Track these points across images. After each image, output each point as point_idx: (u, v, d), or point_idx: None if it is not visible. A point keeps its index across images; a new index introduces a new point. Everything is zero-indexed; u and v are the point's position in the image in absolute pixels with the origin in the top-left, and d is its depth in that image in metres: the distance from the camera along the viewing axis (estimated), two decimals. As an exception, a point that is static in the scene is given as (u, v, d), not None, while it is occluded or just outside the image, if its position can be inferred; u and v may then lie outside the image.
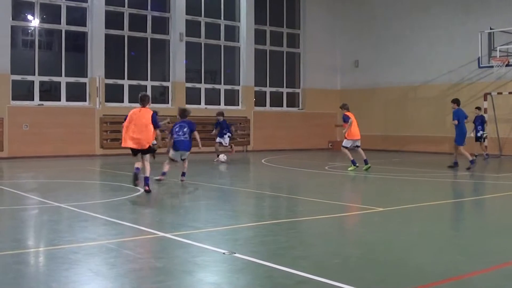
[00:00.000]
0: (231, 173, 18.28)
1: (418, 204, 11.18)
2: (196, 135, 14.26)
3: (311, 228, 8.97)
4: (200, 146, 14.41)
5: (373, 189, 14.17)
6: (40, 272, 6.24)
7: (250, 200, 12.20)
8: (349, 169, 17.83)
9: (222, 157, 20.66)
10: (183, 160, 14.13)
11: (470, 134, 21.42)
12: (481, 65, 24.67)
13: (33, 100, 23.46)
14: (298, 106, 31.11)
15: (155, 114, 12.35)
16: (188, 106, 26.54)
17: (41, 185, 14.34)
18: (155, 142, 14.91)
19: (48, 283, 5.59)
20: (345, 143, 18.26)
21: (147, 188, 11.88)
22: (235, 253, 6.67)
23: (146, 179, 11.93)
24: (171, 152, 14.07)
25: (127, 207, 10.70)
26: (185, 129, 13.98)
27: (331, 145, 30.93)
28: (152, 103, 25.51)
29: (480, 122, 22.96)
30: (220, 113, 22.11)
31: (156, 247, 7.18)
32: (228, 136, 21.60)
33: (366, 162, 17.85)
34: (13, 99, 22.88)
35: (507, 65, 23.91)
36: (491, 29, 24.43)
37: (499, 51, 24.06)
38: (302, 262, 6.49)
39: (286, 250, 7.16)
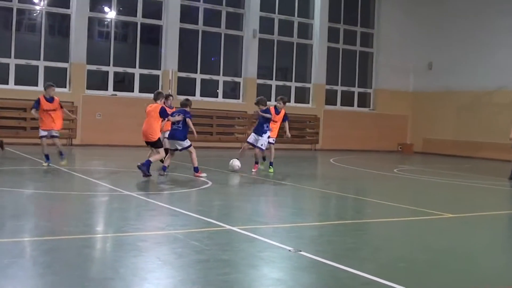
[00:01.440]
0: (298, 171, 18.23)
1: (489, 212, 10.93)
2: (190, 123, 13.67)
3: (378, 231, 8.86)
4: (195, 134, 13.81)
5: (442, 194, 13.89)
6: (108, 257, 6.37)
7: (317, 199, 12.15)
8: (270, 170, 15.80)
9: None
10: (180, 150, 13.84)
11: None
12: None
13: (107, 90, 23.98)
14: (369, 107, 30.79)
15: (163, 108, 13.29)
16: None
17: (111, 173, 14.64)
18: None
19: (116, 268, 5.70)
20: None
21: (140, 165, 12.61)
22: (300, 251, 6.64)
23: (146, 161, 12.66)
24: (166, 142, 14.10)
25: (195, 198, 10.82)
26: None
27: (400, 148, 30.51)
28: (223, 98, 26.05)
29: None
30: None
31: (223, 239, 7.22)
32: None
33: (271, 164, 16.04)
34: (88, 88, 23.43)
35: None
36: None
37: None
38: (368, 264, 6.43)
39: (352, 251, 7.10)
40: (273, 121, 15.75)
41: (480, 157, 26.61)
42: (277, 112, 16.00)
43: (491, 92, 27.46)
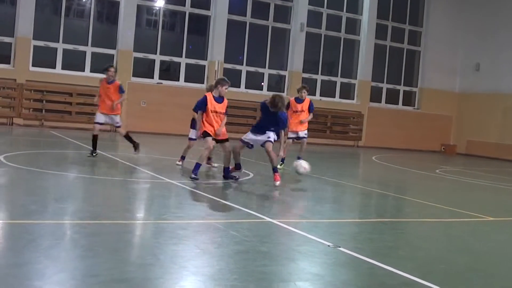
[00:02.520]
0: (340, 167, 18.18)
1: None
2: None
3: (418, 230, 8.79)
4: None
5: (485, 197, 13.70)
6: (149, 243, 6.45)
7: (358, 196, 12.09)
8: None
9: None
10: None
11: None
12: None
13: (152, 78, 24.20)
14: (414, 106, 30.50)
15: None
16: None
17: (154, 160, 14.79)
18: None
19: (157, 255, 5.77)
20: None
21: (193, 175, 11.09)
22: (340, 246, 6.63)
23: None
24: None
25: (236, 190, 10.86)
26: None
27: (443, 148, 30.16)
28: (268, 91, 26.06)
29: None
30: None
31: (263, 231, 7.25)
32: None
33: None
34: (134, 75, 23.68)
35: None
36: None
37: None
38: (407, 263, 6.39)
39: (391, 249, 7.06)
40: (296, 111, 14.89)
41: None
42: (300, 101, 15.01)
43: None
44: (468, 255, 7.20)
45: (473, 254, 7.28)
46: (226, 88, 11.57)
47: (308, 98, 15.21)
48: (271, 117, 11.49)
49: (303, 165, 12.35)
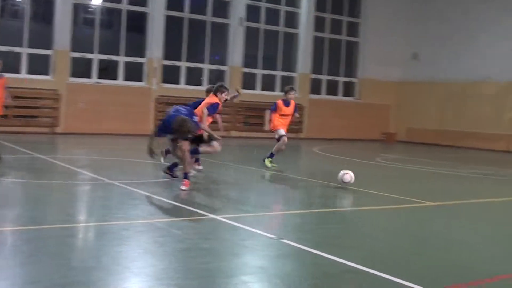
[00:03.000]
0: (282, 160, 18.24)
1: (470, 200, 11.00)
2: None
3: (361, 219, 8.90)
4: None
5: (425, 183, 13.97)
6: (91, 246, 6.36)
7: (300, 188, 12.17)
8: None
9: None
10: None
11: None
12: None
13: (91, 78, 23.84)
14: (354, 96, 30.86)
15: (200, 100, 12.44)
16: (244, 91, 26.72)
17: (94, 161, 14.58)
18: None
19: (99, 257, 5.69)
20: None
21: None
22: (283, 238, 6.67)
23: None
24: None
25: (178, 187, 10.78)
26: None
27: (384, 137, 30.63)
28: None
29: None
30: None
31: (205, 228, 7.24)
32: None
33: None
34: (72, 76, 23.28)
35: None
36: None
37: None
38: (350, 251, 6.47)
39: (334, 239, 7.13)
40: (283, 115, 15.06)
41: (463, 147, 26.77)
42: (288, 104, 15.15)
43: (475, 83, 27.56)
44: (409, 240, 7.34)
45: (415, 239, 7.41)
46: (226, 95, 12.06)
47: (293, 101, 15.31)
48: None
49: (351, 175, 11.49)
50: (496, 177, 15.62)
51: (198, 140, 11.37)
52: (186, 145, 10.21)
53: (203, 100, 12.37)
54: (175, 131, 9.93)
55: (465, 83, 27.88)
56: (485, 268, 6.15)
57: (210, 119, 11.95)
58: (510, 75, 25.91)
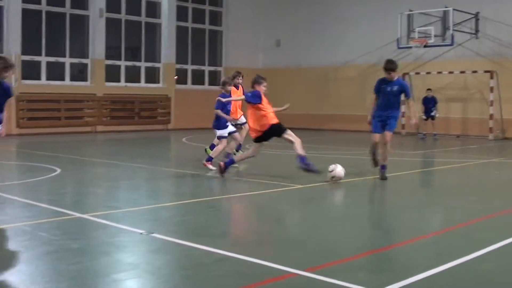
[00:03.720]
0: (151, 152, 18.11)
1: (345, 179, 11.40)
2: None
3: (231, 206, 9.02)
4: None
5: (293, 166, 14.27)
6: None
7: (170, 179, 12.13)
8: None
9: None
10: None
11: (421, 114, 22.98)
12: (400, 46, 25.26)
13: None
14: (220, 84, 31.04)
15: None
16: (108, 84, 26.23)
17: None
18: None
19: (-41, 267, 5.42)
20: None
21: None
22: (153, 233, 6.63)
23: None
24: None
25: (44, 188, 10.46)
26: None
27: (252, 124, 31.06)
28: (71, 80, 25.29)
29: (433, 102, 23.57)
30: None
31: (73, 228, 7.06)
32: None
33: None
34: None
35: (425, 46, 24.59)
36: (410, 11, 25.00)
37: (418, 32, 24.70)
38: (221, 240, 6.54)
39: (204, 228, 7.17)
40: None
41: (331, 129, 27.70)
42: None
43: (338, 67, 28.57)
44: (278, 223, 7.51)
45: (283, 222, 7.60)
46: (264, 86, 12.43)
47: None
48: None
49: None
50: (360, 156, 16.25)
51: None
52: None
53: (224, 95, 13.25)
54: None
55: (328, 67, 28.87)
56: (352, 246, 6.39)
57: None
58: (370, 57, 27.02)
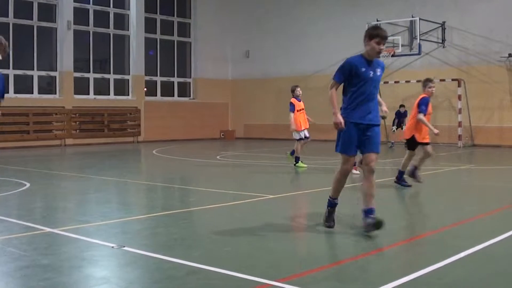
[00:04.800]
0: (122, 165, 18.01)
1: (309, 190, 11.42)
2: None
3: (203, 218, 8.98)
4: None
5: (264, 177, 14.32)
6: None
7: (141, 192, 12.08)
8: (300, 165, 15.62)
9: None
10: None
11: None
12: (368, 56, 25.51)
13: None
14: (190, 96, 31.04)
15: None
16: (76, 97, 26.05)
17: None
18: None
19: None
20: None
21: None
22: (124, 246, 6.58)
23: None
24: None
25: (13, 202, 10.32)
26: None
27: (223, 135, 31.07)
28: (39, 93, 25.07)
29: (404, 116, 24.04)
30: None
31: (43, 243, 6.97)
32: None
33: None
34: None
35: (393, 56, 24.87)
36: (377, 20, 25.25)
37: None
38: (193, 252, 6.50)
39: (176, 241, 7.14)
40: (300, 109, 16.55)
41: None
42: (299, 99, 16.59)
43: (307, 77, 28.71)
44: (251, 234, 7.48)
45: (256, 232, 7.57)
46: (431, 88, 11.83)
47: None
48: None
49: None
50: (323, 166, 16.32)
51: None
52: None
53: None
54: None
55: (297, 77, 28.89)
56: (323, 256, 6.41)
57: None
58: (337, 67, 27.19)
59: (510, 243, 6.93)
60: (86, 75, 27.00)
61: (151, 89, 29.40)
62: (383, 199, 11.13)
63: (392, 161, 18.68)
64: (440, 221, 8.50)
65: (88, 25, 27.09)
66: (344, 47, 27.09)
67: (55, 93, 25.79)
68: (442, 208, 9.60)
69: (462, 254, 6.23)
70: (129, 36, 28.44)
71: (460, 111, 24.18)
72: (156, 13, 29.70)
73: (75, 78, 26.23)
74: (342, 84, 7.54)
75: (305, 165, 15.37)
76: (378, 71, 7.36)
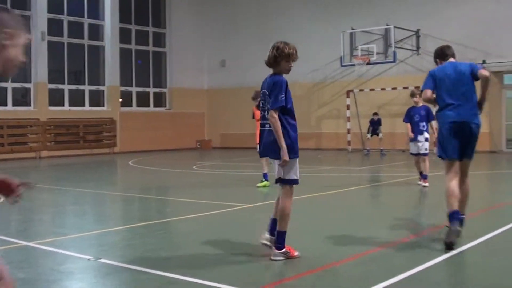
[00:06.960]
0: (98, 176, 17.91)
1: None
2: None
3: (179, 229, 8.97)
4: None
5: (241, 186, 14.32)
6: None
7: (118, 204, 12.02)
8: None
9: None
10: None
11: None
12: (343, 64, 25.68)
13: None
14: (165, 106, 30.98)
15: None
16: (51, 109, 25.88)
17: None
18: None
19: None
20: None
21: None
22: (100, 258, 6.55)
23: None
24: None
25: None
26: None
27: (199, 145, 31.04)
28: (14, 105, 24.87)
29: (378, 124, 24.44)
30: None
31: (19, 257, 6.91)
32: None
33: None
34: None
35: (368, 63, 25.06)
36: (352, 29, 25.44)
37: (360, 50, 25.16)
38: (170, 263, 6.49)
39: (153, 252, 7.11)
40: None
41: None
42: None
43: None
44: (228, 244, 7.48)
45: (233, 242, 7.57)
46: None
47: None
48: None
49: None
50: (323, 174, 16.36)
51: None
52: None
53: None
54: None
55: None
56: (300, 264, 6.43)
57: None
58: (315, 76, 27.40)
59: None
60: (61, 86, 26.82)
61: (126, 100, 29.29)
62: (356, 205, 11.20)
63: (368, 168, 18.79)
64: (415, 227, 8.55)
65: (63, 36, 26.95)
66: (320, 55, 27.28)
67: (30, 105, 25.60)
68: (416, 214, 9.66)
69: (439, 259, 6.29)
70: (104, 47, 28.33)
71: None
72: (131, 23, 29.63)
73: (50, 90, 26.07)
74: None
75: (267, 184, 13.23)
76: None
